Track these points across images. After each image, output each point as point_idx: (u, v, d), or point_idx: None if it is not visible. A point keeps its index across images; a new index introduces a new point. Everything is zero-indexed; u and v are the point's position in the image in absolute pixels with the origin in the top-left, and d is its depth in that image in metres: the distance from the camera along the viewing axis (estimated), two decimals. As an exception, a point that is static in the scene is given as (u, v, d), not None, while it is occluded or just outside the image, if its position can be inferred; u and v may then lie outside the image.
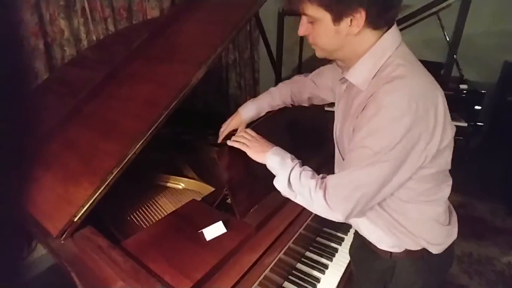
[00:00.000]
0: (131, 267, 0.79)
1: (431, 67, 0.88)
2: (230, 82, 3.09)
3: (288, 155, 0.87)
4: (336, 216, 0.77)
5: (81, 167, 0.99)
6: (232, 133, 1.17)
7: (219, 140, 1.22)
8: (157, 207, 1.19)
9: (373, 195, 0.75)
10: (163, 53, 1.28)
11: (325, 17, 0.74)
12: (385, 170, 0.72)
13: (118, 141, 1.00)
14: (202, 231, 0.89)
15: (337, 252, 1.18)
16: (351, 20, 0.73)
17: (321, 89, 1.11)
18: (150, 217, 1.13)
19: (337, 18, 0.73)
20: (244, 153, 0.92)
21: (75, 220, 0.88)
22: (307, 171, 0.82)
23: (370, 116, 0.72)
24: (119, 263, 0.80)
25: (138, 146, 0.97)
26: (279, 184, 0.85)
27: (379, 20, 0.74)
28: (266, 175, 0.87)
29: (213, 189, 1.19)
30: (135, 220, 1.11)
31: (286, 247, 0.94)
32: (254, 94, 3.46)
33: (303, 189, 0.80)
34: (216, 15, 1.37)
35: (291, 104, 1.19)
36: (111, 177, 0.92)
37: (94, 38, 2.01)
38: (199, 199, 1.16)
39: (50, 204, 0.93)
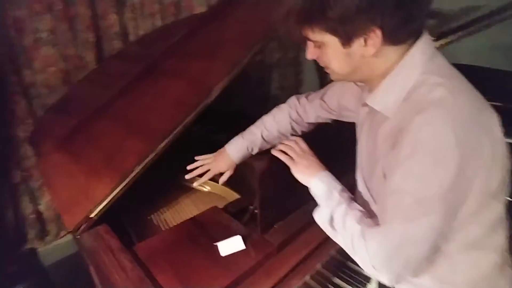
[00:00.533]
0: (137, 276, 0.74)
1: (499, 75, 0.71)
2: (273, 83, 3.00)
3: (338, 185, 0.74)
4: (381, 277, 0.63)
5: (104, 162, 0.97)
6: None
7: (188, 177, 1.00)
8: (179, 208, 1.14)
9: (424, 252, 0.61)
10: (199, 50, 1.23)
11: (332, 40, 0.62)
12: (434, 223, 0.58)
13: (142, 140, 0.97)
14: (217, 245, 0.82)
15: (369, 282, 1.04)
16: (365, 39, 0.60)
17: (335, 110, 0.94)
18: (171, 218, 1.09)
19: (346, 41, 0.61)
20: (286, 166, 0.80)
21: (91, 216, 0.86)
22: (355, 211, 0.69)
23: (405, 157, 0.58)
24: (127, 270, 0.75)
25: (161, 146, 0.92)
26: (320, 217, 0.74)
27: (400, 34, 0.60)
28: (299, 189, 0.78)
29: (237, 196, 1.12)
30: (154, 220, 1.07)
31: (311, 272, 0.84)
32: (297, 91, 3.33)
33: (345, 233, 0.67)
34: (258, 12, 1.29)
35: (292, 134, 1.01)
36: (131, 176, 0.88)
37: (141, 32, 2.04)
38: (222, 205, 1.10)
39: (69, 194, 0.94)
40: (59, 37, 1.68)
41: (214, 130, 1.62)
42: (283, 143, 0.85)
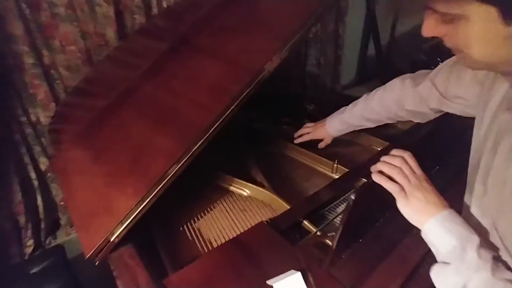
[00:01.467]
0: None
1: None
2: (309, 59, 2.71)
3: (472, 236, 0.51)
4: None
5: (128, 164, 0.79)
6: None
7: (296, 141, 1.10)
8: (214, 216, 0.96)
9: None
10: (237, 24, 1.00)
11: (484, 13, 0.40)
12: None
13: (175, 136, 0.78)
14: (271, 285, 0.63)
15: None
16: None
17: (445, 97, 0.75)
18: (206, 228, 0.91)
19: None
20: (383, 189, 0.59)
21: (112, 239, 0.69)
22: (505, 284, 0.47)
23: None
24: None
25: (198, 145, 0.73)
26: (444, 284, 0.53)
27: None
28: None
29: (286, 205, 0.92)
30: (188, 232, 0.90)
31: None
32: (334, 74, 3.05)
33: None
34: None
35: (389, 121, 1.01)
36: (160, 186, 0.70)
37: (165, 5, 1.82)
38: (265, 214, 0.91)
39: (88, 203, 0.77)
40: (77, 12, 1.51)
41: (253, 117, 1.41)
42: (386, 161, 0.62)
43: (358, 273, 0.66)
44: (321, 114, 1.58)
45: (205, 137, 0.73)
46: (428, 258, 0.65)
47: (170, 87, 0.92)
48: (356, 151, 1.30)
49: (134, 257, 0.71)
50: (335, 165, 1.11)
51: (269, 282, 0.63)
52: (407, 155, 0.60)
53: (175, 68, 0.97)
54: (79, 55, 1.50)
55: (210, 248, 0.83)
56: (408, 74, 0.91)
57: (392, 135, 1.41)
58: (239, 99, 0.74)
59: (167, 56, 1.03)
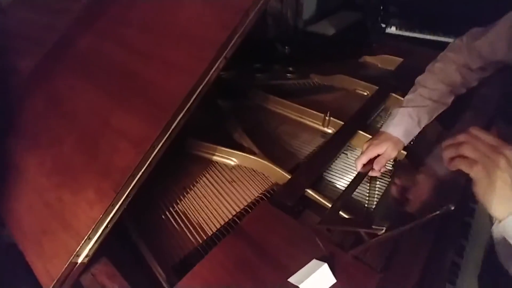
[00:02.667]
0: None
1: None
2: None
3: None
4: None
5: (83, 161, 0.58)
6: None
7: (358, 168, 0.78)
8: (200, 193, 0.81)
9: None
10: None
11: None
12: None
13: (140, 112, 0.57)
14: (292, 281, 0.53)
15: None
16: None
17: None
18: (194, 210, 0.76)
19: None
20: None
21: (79, 262, 0.51)
22: None
23: None
24: None
25: (176, 122, 0.54)
26: None
27: None
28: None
29: (283, 173, 0.79)
30: (172, 220, 0.74)
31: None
32: (297, 8, 2.76)
33: None
34: None
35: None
36: (132, 184, 0.51)
37: None
38: (260, 184, 0.79)
39: (38, 224, 0.56)
40: None
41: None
42: (450, 144, 0.49)
43: (380, 255, 0.58)
44: (298, 56, 1.41)
45: (185, 109, 0.54)
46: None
47: (123, 39, 0.67)
48: (341, 98, 1.18)
49: (113, 275, 0.54)
50: (327, 118, 0.99)
51: (292, 280, 0.53)
52: (472, 129, 0.48)
53: (127, 11, 0.71)
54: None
55: (203, 235, 0.70)
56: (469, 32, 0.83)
57: (374, 76, 1.30)
58: (227, 51, 0.54)
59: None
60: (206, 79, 0.53)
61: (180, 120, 0.52)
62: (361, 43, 1.64)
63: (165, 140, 0.52)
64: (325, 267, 0.53)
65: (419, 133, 0.81)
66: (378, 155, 0.76)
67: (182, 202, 0.79)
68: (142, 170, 0.51)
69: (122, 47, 0.65)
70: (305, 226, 0.61)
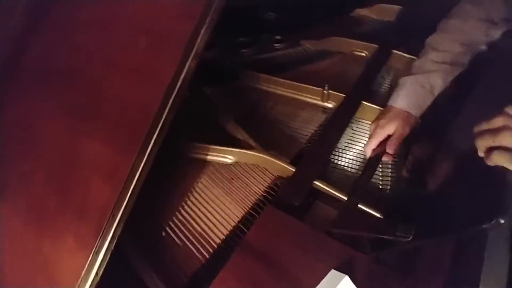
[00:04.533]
0: None
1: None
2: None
3: None
4: None
5: (53, 196, 0.50)
6: None
7: (368, 154, 0.69)
8: (199, 197, 0.75)
9: None
10: None
11: None
12: None
13: (109, 135, 0.49)
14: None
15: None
16: None
17: None
18: (195, 218, 0.70)
19: None
20: None
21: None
22: None
23: None
24: None
25: (152, 144, 0.46)
26: None
27: None
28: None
29: (285, 166, 0.71)
30: (173, 235, 0.68)
31: None
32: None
33: None
34: None
35: None
36: (114, 226, 0.44)
37: None
38: (262, 180, 0.72)
39: (21, 279, 0.50)
40: None
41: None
42: (481, 131, 0.40)
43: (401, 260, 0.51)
44: (284, 22, 1.28)
45: (161, 124, 0.45)
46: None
47: (78, 46, 0.57)
48: (338, 63, 1.07)
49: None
50: (326, 92, 0.89)
51: (312, 298, 0.47)
52: (510, 109, 0.39)
53: (76, 11, 0.60)
54: None
55: (209, 248, 0.65)
56: None
57: (371, 32, 1.18)
58: (196, 45, 0.45)
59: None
60: (179, 83, 0.44)
61: (157, 137, 0.44)
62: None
63: (144, 164, 0.44)
64: (346, 279, 0.47)
65: (433, 101, 0.71)
66: (389, 136, 0.68)
67: (182, 211, 0.72)
68: (124, 206, 0.44)
69: (78, 55, 0.55)
70: (317, 230, 0.54)
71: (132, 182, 0.45)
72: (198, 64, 0.46)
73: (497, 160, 0.38)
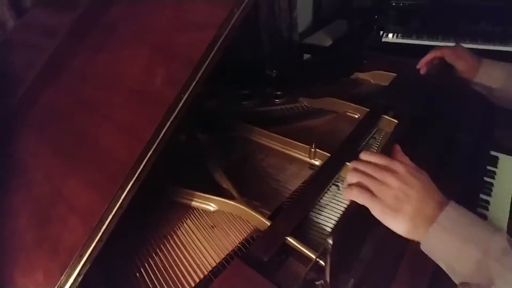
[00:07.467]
0: None
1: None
2: (261, 8, 2.39)
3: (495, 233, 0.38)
4: None
5: (34, 231, 0.54)
6: None
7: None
8: (179, 241, 0.77)
9: None
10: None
11: None
12: None
13: (94, 183, 0.54)
14: None
15: None
16: None
17: None
18: (173, 260, 0.72)
19: None
20: None
21: None
22: None
23: None
24: None
25: (123, 197, 0.50)
26: None
27: None
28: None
29: (262, 219, 0.74)
30: (145, 276, 0.70)
31: None
32: (290, 21, 2.74)
33: None
34: None
35: None
36: (80, 265, 0.48)
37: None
38: (239, 230, 0.74)
39: None
40: None
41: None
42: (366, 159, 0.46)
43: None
44: (286, 79, 1.37)
45: (134, 179, 0.50)
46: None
47: (80, 96, 0.64)
48: (331, 122, 1.13)
49: None
50: (313, 150, 0.93)
51: None
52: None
53: (87, 64, 0.69)
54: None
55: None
56: None
57: (365, 96, 1.24)
58: (178, 109, 0.50)
59: (71, 42, 0.73)
60: (155, 144, 0.49)
61: (129, 191, 0.48)
62: (356, 56, 1.57)
63: (114, 213, 0.48)
64: None
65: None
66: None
67: (160, 253, 0.74)
68: (91, 249, 0.47)
69: (77, 104, 0.63)
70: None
71: (104, 224, 0.49)
72: (178, 124, 0.51)
73: (350, 196, 0.43)
